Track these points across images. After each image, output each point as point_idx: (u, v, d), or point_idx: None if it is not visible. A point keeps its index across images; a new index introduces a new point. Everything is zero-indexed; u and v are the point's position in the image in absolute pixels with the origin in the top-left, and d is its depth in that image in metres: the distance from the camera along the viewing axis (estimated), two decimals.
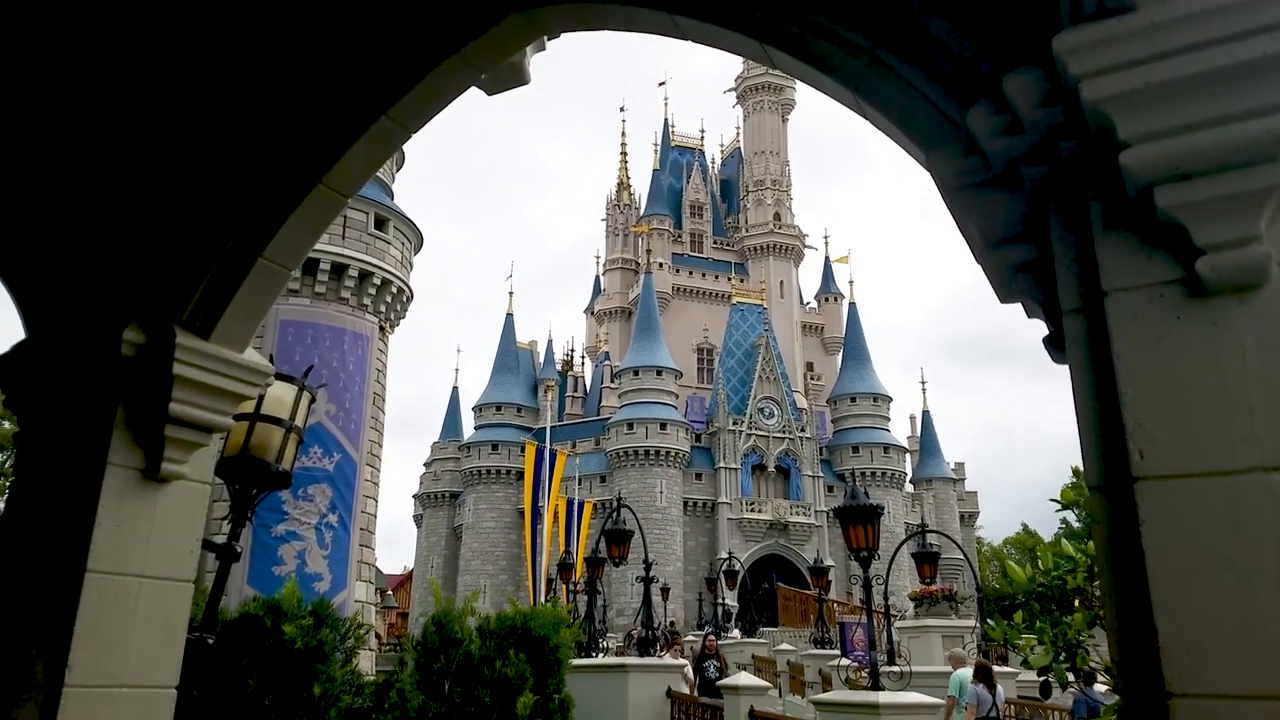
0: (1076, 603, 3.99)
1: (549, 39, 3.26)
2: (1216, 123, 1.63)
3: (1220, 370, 1.66)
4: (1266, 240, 1.64)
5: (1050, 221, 1.92)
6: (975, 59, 2.11)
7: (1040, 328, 2.15)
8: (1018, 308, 2.21)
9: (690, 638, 32.72)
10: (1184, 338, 1.70)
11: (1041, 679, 3.36)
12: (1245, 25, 1.58)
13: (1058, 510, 3.47)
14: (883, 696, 10.32)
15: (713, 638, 18.58)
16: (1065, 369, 1.92)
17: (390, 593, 60.62)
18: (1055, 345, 2.04)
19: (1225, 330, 1.68)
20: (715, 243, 79.42)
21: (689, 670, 15.85)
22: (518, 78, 3.35)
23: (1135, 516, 1.66)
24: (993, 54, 2.07)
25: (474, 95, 3.42)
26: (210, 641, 4.72)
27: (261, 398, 4.67)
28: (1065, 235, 1.88)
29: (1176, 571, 1.62)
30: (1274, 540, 1.57)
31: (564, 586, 26.03)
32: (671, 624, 21.17)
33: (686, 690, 14.43)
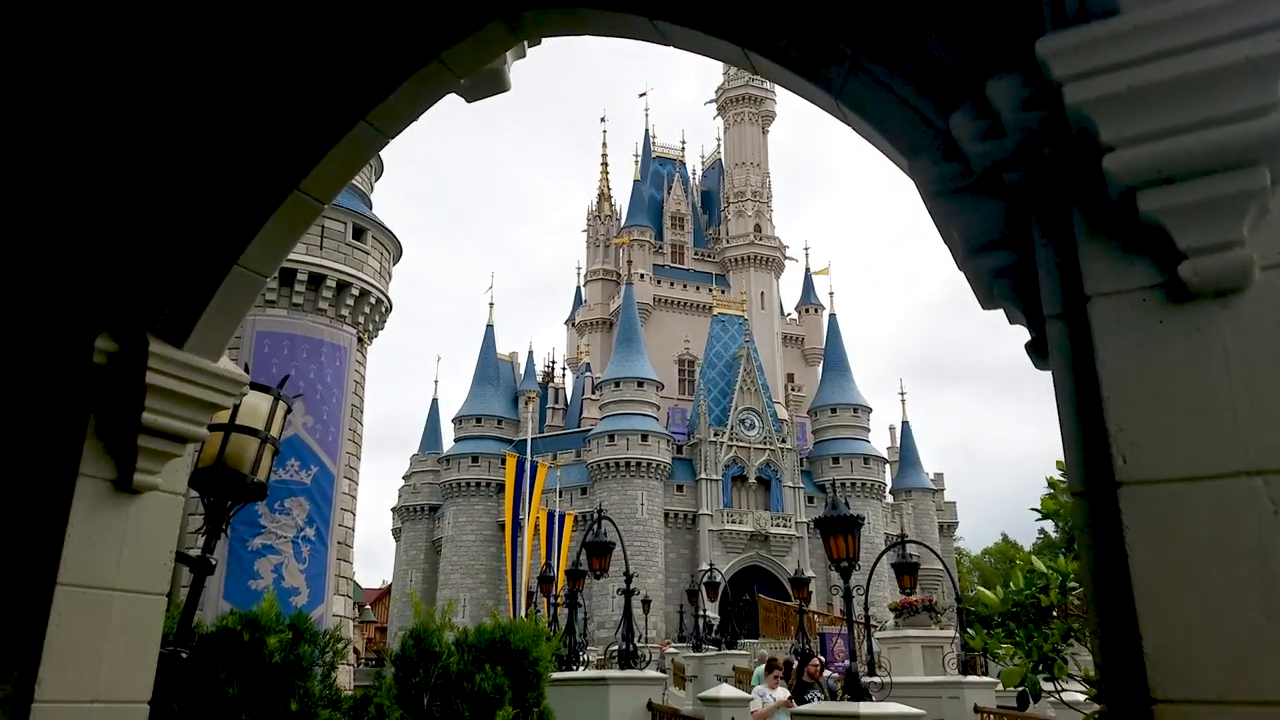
0: (1054, 614, 4.01)
1: (530, 45, 3.25)
2: (1200, 126, 1.63)
3: (1203, 374, 1.66)
4: (1249, 244, 1.64)
5: (1032, 226, 1.92)
6: (957, 64, 2.11)
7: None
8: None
9: (671, 649, 32.56)
10: (1167, 342, 1.69)
11: (1019, 689, 3.36)
12: (1228, 29, 1.58)
13: (1038, 520, 3.48)
14: (864, 707, 10.30)
15: (816, 662, 14.27)
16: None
17: (369, 607, 60.14)
18: (1037, 351, 2.04)
19: (1208, 334, 1.67)
20: (696, 254, 79.62)
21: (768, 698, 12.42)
22: (498, 84, 3.34)
23: (1119, 522, 1.65)
24: (974, 59, 2.07)
25: (449, 125, 3.40)
26: (184, 656, 4.64)
27: (236, 408, 4.61)
28: (1047, 240, 1.87)
29: (1161, 576, 1.61)
30: (1258, 544, 1.56)
31: (545, 600, 25.88)
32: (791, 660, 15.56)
33: None
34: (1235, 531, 1.59)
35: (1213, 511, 1.61)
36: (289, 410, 5.08)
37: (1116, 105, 1.66)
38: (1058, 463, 3.02)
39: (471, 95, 3.40)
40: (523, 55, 3.34)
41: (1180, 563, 1.61)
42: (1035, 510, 3.52)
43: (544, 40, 3.23)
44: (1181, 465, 1.64)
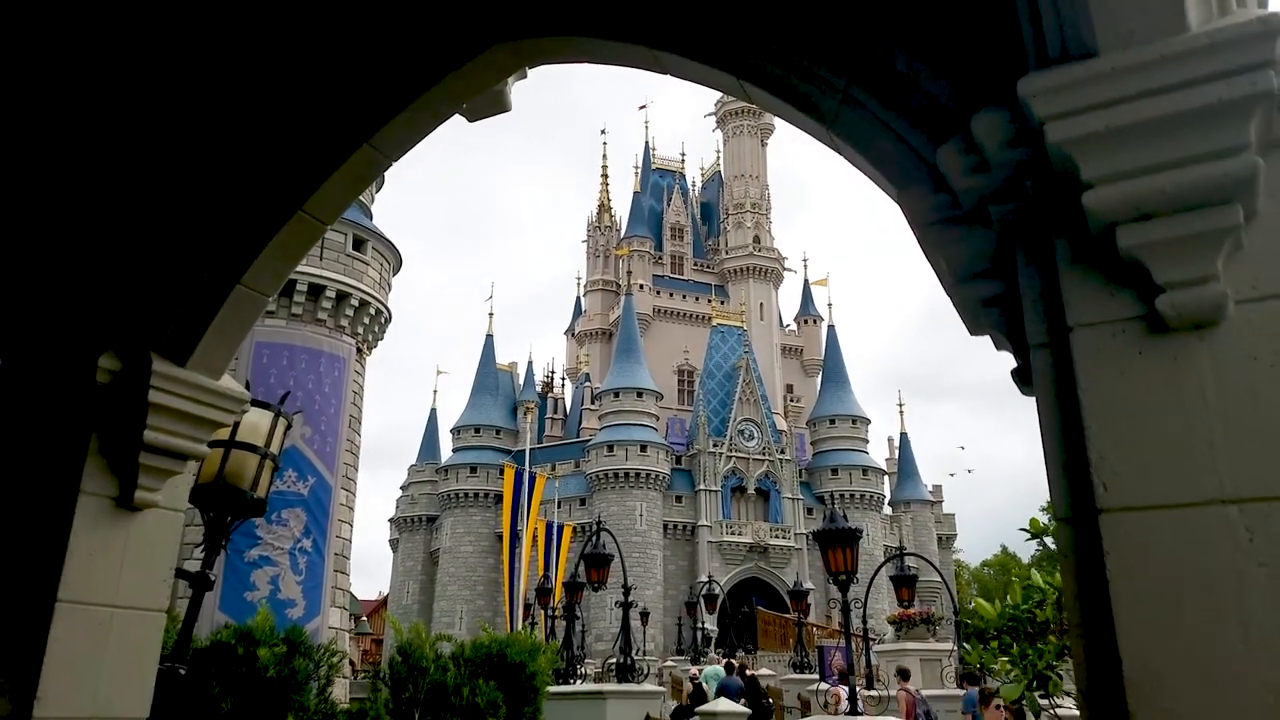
0: (1051, 629, 4.05)
1: (530, 68, 3.30)
2: (1175, 165, 1.68)
3: (1181, 404, 1.71)
4: (1223, 279, 1.70)
5: (1017, 258, 1.97)
6: (946, 99, 2.16)
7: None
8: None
9: (670, 663, 32.46)
10: (1146, 373, 1.74)
11: (1014, 706, 3.40)
12: (1201, 72, 1.64)
13: (1028, 540, 3.53)
14: None
15: (999, 704, 9.49)
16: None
17: (365, 619, 59.97)
18: (1022, 379, 2.09)
19: (1185, 366, 1.72)
20: (696, 265, 79.76)
21: None
22: (499, 106, 3.39)
23: (1100, 548, 1.70)
24: (962, 94, 2.12)
25: (450, 144, 3.45)
26: (182, 672, 4.67)
27: (237, 424, 4.65)
28: (1031, 271, 1.92)
29: (1139, 602, 1.65)
30: (1232, 571, 1.61)
31: (542, 612, 25.85)
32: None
33: None
34: (1211, 559, 1.63)
35: (1189, 539, 1.65)
36: (289, 427, 5.12)
37: (1095, 144, 1.71)
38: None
39: (473, 116, 3.45)
40: (524, 76, 3.40)
41: (1158, 589, 1.65)
42: (1024, 530, 3.57)
43: None
44: (1159, 493, 1.69)
